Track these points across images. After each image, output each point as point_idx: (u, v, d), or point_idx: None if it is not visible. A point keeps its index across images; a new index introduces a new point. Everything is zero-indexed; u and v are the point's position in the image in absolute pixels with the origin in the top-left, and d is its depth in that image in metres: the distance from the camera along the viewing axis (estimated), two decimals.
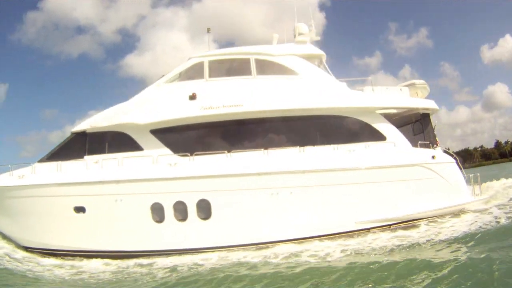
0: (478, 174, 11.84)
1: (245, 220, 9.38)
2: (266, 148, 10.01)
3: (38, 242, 9.96)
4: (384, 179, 9.81)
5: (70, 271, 8.55)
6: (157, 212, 9.39)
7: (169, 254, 9.11)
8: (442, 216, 10.32)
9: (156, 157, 10.01)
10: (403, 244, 8.21)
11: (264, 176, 9.49)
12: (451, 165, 10.72)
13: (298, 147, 10.04)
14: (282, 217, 9.43)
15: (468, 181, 11.51)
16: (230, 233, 9.33)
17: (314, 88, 10.68)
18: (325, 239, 9.30)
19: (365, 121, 10.59)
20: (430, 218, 10.22)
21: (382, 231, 9.64)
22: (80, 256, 9.46)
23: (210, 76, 10.84)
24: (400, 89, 11.78)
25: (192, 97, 10.33)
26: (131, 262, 8.81)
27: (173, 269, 7.83)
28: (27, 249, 9.80)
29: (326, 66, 11.74)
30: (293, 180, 9.53)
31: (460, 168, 11.04)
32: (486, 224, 8.99)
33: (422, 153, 10.48)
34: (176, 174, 9.55)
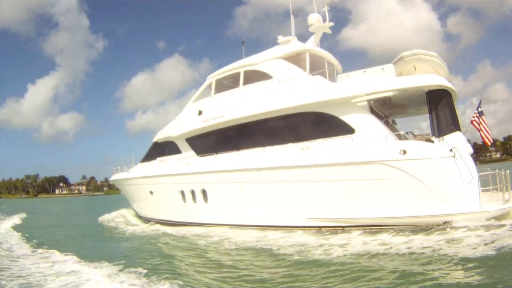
0: (507, 171, 8.26)
1: (225, 205, 12.14)
2: (238, 149, 12.18)
3: (139, 212, 17.05)
4: (338, 178, 9.48)
5: (150, 228, 14.18)
6: (183, 196, 13.81)
7: (189, 225, 13.28)
8: (417, 226, 8.66)
9: (182, 158, 14.49)
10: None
11: (235, 172, 11.81)
12: (435, 162, 8.49)
13: (260, 147, 11.51)
14: (247, 207, 11.43)
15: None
16: (220, 214, 12.35)
17: (284, 89, 11.53)
18: (280, 229, 10.50)
19: (332, 114, 10.35)
20: (398, 227, 8.83)
21: (334, 231, 9.54)
22: (156, 222, 15.34)
23: (215, 93, 14.03)
24: (382, 69, 10.09)
25: (200, 113, 13.96)
26: (174, 228, 13.34)
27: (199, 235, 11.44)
28: (145, 219, 16.79)
29: (307, 61, 11.84)
30: (254, 176, 11.26)
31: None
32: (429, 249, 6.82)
33: (386, 148, 8.98)
34: (187, 171, 13.65)
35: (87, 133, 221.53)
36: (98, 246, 11.42)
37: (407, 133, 11.05)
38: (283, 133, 11.43)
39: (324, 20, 13.57)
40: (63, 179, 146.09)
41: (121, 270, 6.99)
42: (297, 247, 8.28)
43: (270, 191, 10.87)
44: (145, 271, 6.73)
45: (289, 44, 12.58)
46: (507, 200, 8.85)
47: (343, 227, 9.62)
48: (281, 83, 11.74)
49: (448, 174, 8.43)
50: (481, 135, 10.06)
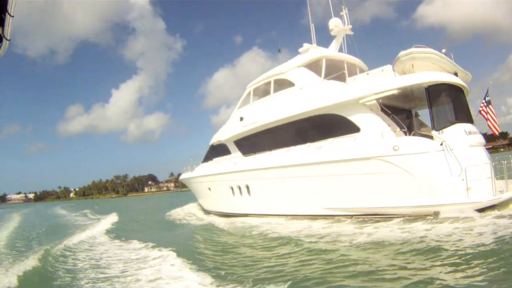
0: (504, 162, 8.69)
1: (263, 198, 14.63)
2: (271, 149, 14.44)
3: (203, 206, 20.70)
4: (344, 172, 11.05)
5: (208, 219, 17.59)
6: (232, 191, 16.76)
7: (237, 216, 16.18)
8: (410, 215, 9.80)
9: (231, 158, 17.41)
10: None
11: (268, 170, 14.16)
12: (424, 156, 9.47)
13: (286, 147, 13.60)
14: (278, 199, 13.71)
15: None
16: (259, 206, 14.91)
17: (303, 94, 13.41)
18: (304, 218, 12.55)
19: (342, 115, 11.88)
20: (390, 215, 10.10)
21: (347, 219, 11.18)
22: (214, 214, 18.70)
23: (253, 100, 16.56)
24: (382, 70, 11.16)
25: (241, 119, 16.66)
26: (226, 219, 16.41)
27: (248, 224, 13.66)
28: (207, 211, 20.42)
29: (323, 67, 13.43)
30: (281, 172, 13.46)
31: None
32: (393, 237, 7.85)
33: (381, 145, 10.19)
34: (229, 169, 16.51)
35: (173, 131, 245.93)
36: (165, 233, 14.88)
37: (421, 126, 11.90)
38: (303, 134, 13.29)
39: (344, 24, 14.90)
40: (152, 177, 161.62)
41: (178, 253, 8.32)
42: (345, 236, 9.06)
43: (294, 185, 12.94)
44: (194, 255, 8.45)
45: (308, 52, 14.35)
46: (501, 191, 9.34)
47: (352, 215, 11.22)
48: (301, 89, 13.64)
49: (437, 167, 9.36)
50: (488, 125, 10.48)
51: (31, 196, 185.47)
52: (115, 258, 9.10)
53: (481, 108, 10.89)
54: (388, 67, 11.29)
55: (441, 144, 9.51)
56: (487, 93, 11.14)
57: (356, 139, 11.21)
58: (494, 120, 10.74)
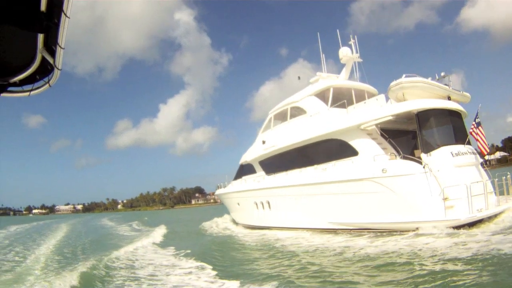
0: (496, 179, 9.70)
1: (280, 213, 16.58)
2: (286, 170, 16.40)
3: (234, 218, 23.11)
4: (343, 191, 12.65)
5: (236, 230, 20.15)
6: (256, 206, 18.94)
7: (260, 228, 18.27)
8: (396, 230, 11.11)
9: (256, 177, 19.65)
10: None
11: (283, 188, 16.14)
12: (407, 178, 10.79)
13: (298, 168, 15.48)
14: (292, 214, 15.55)
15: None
16: (278, 220, 16.86)
17: (312, 121, 15.30)
18: (313, 231, 14.23)
19: (343, 140, 13.55)
20: (381, 230, 11.44)
21: (348, 232, 12.70)
22: (242, 226, 20.99)
23: (273, 126, 18.77)
24: (376, 99, 12.63)
25: (263, 142, 18.91)
26: (250, 230, 18.69)
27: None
28: (236, 223, 22.83)
29: (330, 96, 15.21)
30: (293, 191, 15.35)
31: None
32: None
33: (372, 168, 11.66)
34: (253, 187, 18.72)
35: (221, 144, 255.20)
36: (197, 239, 17.45)
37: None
38: (312, 157, 15.11)
39: (352, 52, 16.60)
40: (199, 190, 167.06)
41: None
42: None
43: (304, 201, 14.74)
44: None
45: (318, 82, 16.28)
46: (479, 209, 10.27)
47: (350, 229, 12.69)
48: (311, 116, 15.56)
49: (418, 188, 10.64)
50: (478, 146, 11.43)
51: (79, 207, 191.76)
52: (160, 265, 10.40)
53: (471, 130, 11.87)
54: (382, 96, 12.82)
55: (424, 167, 10.78)
56: (477, 115, 12.11)
57: (354, 162, 12.79)
58: (483, 141, 11.64)
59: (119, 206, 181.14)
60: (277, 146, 17.40)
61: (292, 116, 17.20)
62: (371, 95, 16.11)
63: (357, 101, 15.13)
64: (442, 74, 13.24)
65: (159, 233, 19.79)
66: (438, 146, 11.33)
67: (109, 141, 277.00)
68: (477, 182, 10.94)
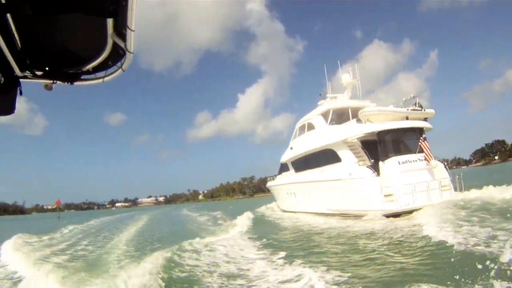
0: (457, 176, 14.81)
1: (301, 201, 23.09)
2: (303, 170, 22.73)
3: (278, 205, 30.31)
4: (330, 187, 18.66)
5: (279, 214, 27.29)
6: (290, 195, 25.68)
7: (291, 212, 25.00)
8: (360, 215, 16.55)
9: (289, 173, 26.35)
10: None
11: (299, 183, 22.59)
12: (362, 180, 16.22)
13: (309, 170, 21.69)
14: (307, 202, 21.93)
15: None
16: (299, 206, 23.40)
17: (318, 135, 21.30)
18: (318, 215, 20.46)
19: (334, 149, 19.33)
20: (350, 215, 17.04)
21: (333, 216, 18.63)
22: (282, 211, 27.99)
23: (298, 135, 25.13)
24: (356, 120, 17.96)
25: (291, 148, 25.46)
26: (286, 214, 25.72)
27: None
28: (283, 210, 29.96)
29: (330, 116, 20.90)
30: (305, 185, 21.72)
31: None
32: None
33: (344, 172, 17.31)
34: (286, 181, 25.50)
35: None
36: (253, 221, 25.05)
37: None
38: (318, 161, 21.16)
39: (351, 78, 21.84)
40: None
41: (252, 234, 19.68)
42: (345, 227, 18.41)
43: (312, 194, 21.00)
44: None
45: (322, 105, 22.08)
46: (408, 203, 15.14)
47: (337, 214, 18.55)
48: (317, 131, 21.53)
49: (367, 187, 16.07)
50: (424, 156, 16.12)
51: (161, 199, 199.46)
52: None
53: (420, 143, 16.49)
54: (353, 121, 18.26)
55: (373, 172, 16.13)
56: (423, 132, 16.65)
57: (337, 167, 18.59)
58: (428, 152, 16.20)
59: (200, 197, 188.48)
60: (299, 152, 23.78)
61: (308, 129, 23.32)
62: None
63: (353, 117, 20.49)
64: (412, 95, 18.02)
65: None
66: (389, 157, 16.44)
67: (190, 134, 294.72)
68: (421, 182, 15.76)
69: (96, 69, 1.84)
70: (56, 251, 15.47)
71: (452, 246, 7.86)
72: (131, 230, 24.23)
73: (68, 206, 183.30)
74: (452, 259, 7.09)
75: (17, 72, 1.69)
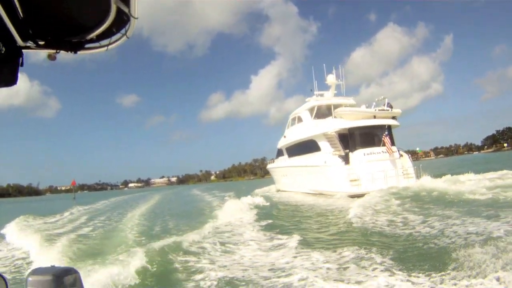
0: (415, 167, 18.97)
1: (290, 182, 27.48)
2: (293, 156, 26.95)
3: (276, 186, 34.90)
4: (312, 172, 22.89)
5: (277, 194, 31.86)
6: (283, 176, 30.09)
7: (284, 191, 29.46)
8: (332, 195, 20.70)
9: (283, 158, 30.66)
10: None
11: (289, 167, 26.89)
12: (333, 167, 20.33)
13: (297, 156, 25.89)
14: (295, 183, 26.28)
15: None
16: (291, 186, 27.79)
17: (304, 127, 25.32)
18: (304, 194, 24.80)
19: (315, 140, 23.39)
20: (325, 194, 21.24)
21: (314, 195, 22.93)
22: (279, 191, 32.53)
23: (290, 125, 29.18)
24: (333, 117, 21.90)
25: (284, 136, 29.61)
26: (281, 193, 30.27)
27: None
28: (278, 190, 34.50)
29: (314, 111, 24.79)
30: (293, 169, 26.00)
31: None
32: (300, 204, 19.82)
33: (321, 160, 21.42)
34: (280, 165, 29.88)
35: None
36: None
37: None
38: (303, 150, 25.29)
39: (335, 79, 25.53)
40: None
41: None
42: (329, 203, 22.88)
43: (299, 176, 25.30)
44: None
45: (309, 102, 25.97)
46: (367, 187, 19.18)
47: (317, 194, 22.82)
48: (304, 124, 25.54)
49: (337, 173, 20.23)
50: (386, 149, 20.07)
51: (173, 179, 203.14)
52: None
53: (383, 138, 20.36)
54: (330, 118, 22.21)
55: (342, 161, 20.21)
56: (386, 129, 20.50)
57: (317, 155, 22.72)
58: (388, 146, 20.10)
59: (212, 177, 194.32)
60: (290, 140, 27.91)
61: (298, 121, 27.34)
62: (348, 106, 24.94)
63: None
64: (382, 97, 21.82)
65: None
66: (357, 149, 20.43)
67: (203, 115, 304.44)
68: (381, 171, 19.76)
69: (100, 37, 1.73)
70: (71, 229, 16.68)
71: (352, 223, 11.53)
72: (142, 208, 27.41)
73: (82, 187, 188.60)
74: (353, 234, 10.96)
75: (19, 42, 1.59)
